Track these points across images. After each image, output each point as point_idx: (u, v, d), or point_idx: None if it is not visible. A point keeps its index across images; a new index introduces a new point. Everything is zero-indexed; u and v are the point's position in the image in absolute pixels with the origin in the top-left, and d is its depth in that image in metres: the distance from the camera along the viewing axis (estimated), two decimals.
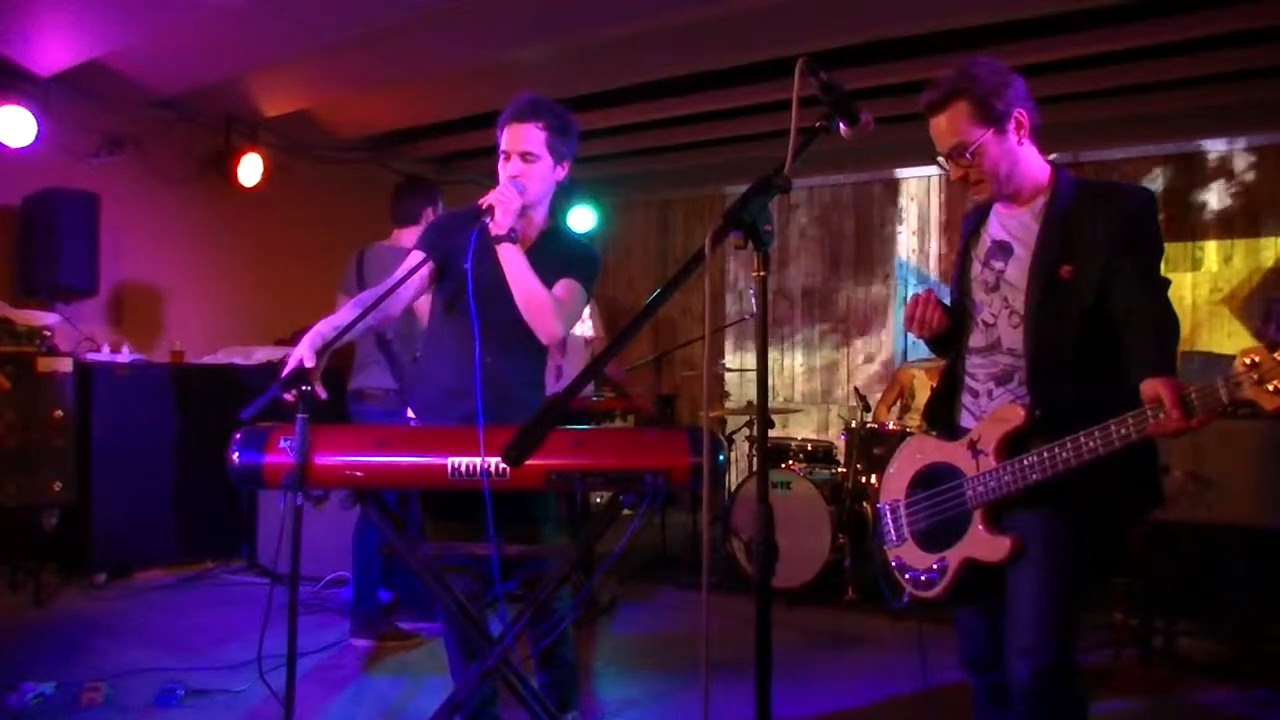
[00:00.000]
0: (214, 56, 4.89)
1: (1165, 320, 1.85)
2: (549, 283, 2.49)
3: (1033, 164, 2.04)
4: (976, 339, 2.11)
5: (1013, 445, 1.94)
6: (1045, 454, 1.85)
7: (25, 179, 4.99)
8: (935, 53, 4.72)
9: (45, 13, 4.30)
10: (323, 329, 2.37)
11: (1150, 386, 1.69)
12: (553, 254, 2.59)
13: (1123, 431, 1.73)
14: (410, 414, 2.74)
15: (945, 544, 2.05)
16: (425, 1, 4.19)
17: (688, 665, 3.67)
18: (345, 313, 2.47)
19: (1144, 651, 3.69)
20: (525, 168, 2.51)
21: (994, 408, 2.04)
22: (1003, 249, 2.06)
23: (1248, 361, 1.56)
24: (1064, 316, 1.93)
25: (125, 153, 5.56)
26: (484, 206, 2.41)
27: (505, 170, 2.52)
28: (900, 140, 4.38)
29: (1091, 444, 1.77)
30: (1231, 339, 6.02)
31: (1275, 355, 1.55)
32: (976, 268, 2.13)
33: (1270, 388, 1.54)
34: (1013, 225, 2.06)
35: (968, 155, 2.00)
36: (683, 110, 5.88)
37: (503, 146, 2.54)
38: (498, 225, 2.42)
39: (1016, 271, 2.02)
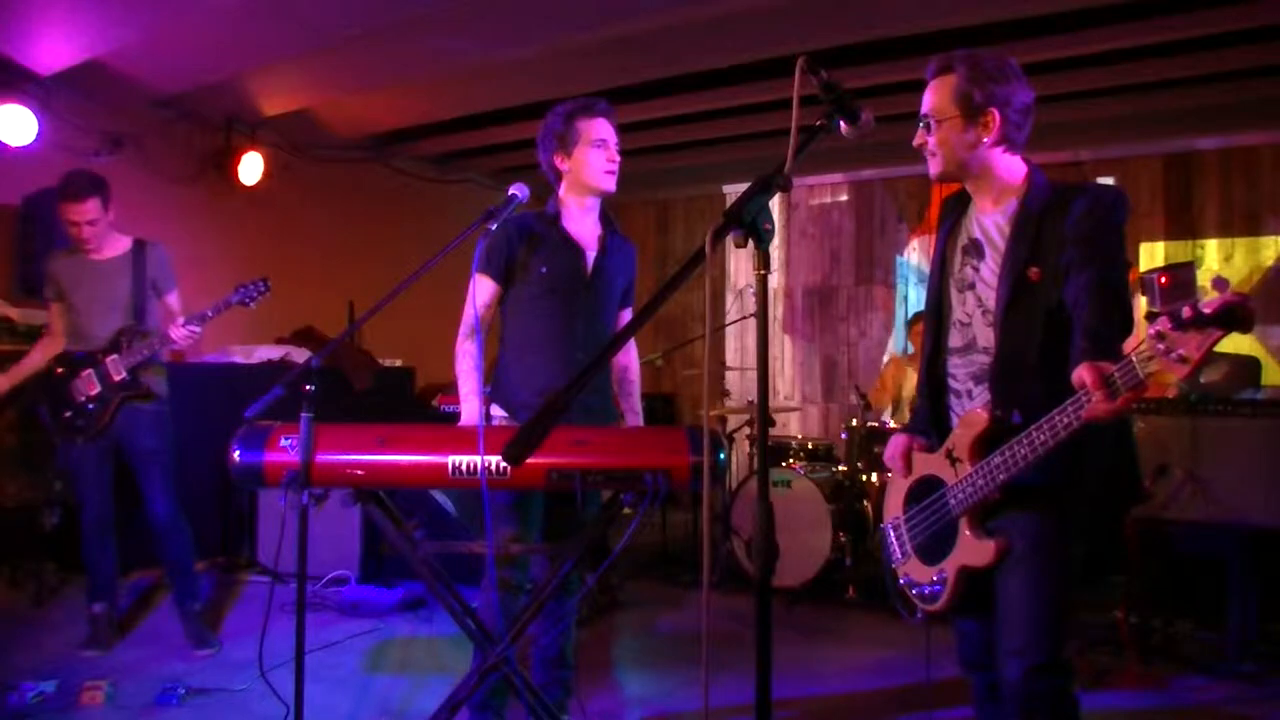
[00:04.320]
0: (214, 56, 4.90)
1: (1102, 312, 1.82)
2: (619, 285, 2.85)
3: (1000, 164, 2.04)
4: (954, 339, 2.13)
5: (984, 448, 1.95)
6: (1007, 452, 1.86)
7: (25, 178, 4.99)
8: (935, 52, 4.70)
9: (46, 12, 4.30)
10: (480, 384, 2.68)
11: (1076, 374, 1.70)
12: (618, 259, 2.85)
13: (1065, 420, 1.74)
14: (498, 412, 2.76)
15: (942, 555, 2.05)
16: (425, 1, 4.19)
17: (688, 664, 3.67)
18: (475, 365, 2.71)
19: (1143, 650, 3.70)
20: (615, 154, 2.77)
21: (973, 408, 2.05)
22: (977, 247, 2.08)
23: (1152, 333, 1.56)
24: (1031, 318, 1.94)
25: (125, 152, 5.56)
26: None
27: (604, 157, 2.73)
28: (901, 139, 4.38)
29: (1042, 437, 1.78)
30: (1233, 337, 6.01)
31: (1162, 327, 1.54)
32: (955, 265, 2.14)
33: (1174, 356, 1.54)
34: (987, 225, 2.07)
35: (931, 124, 2.03)
36: (683, 110, 5.88)
37: (599, 135, 2.73)
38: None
39: (989, 271, 2.04)
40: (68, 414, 3.69)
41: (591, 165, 2.71)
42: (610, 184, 2.74)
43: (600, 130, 2.72)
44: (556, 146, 2.73)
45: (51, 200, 4.92)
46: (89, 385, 3.68)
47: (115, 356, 3.67)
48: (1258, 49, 4.73)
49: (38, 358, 3.84)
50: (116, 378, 3.67)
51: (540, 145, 2.77)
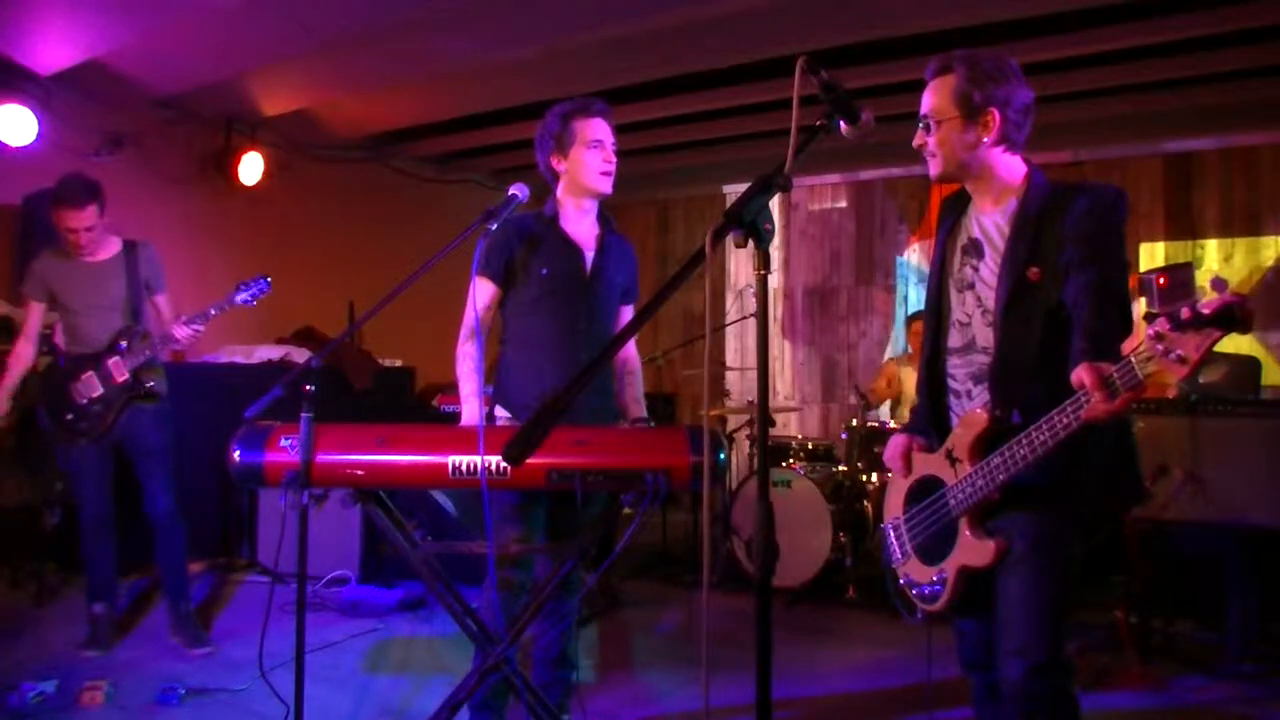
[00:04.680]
0: (214, 56, 4.90)
1: (1102, 312, 1.82)
2: (618, 284, 2.84)
3: (1000, 164, 2.04)
4: (954, 339, 2.13)
5: (984, 448, 1.95)
6: (1006, 452, 1.87)
7: (25, 178, 4.99)
8: (935, 52, 4.70)
9: (46, 12, 4.31)
10: (480, 385, 2.65)
11: (1076, 375, 1.70)
12: (616, 258, 2.85)
13: (1064, 421, 1.74)
14: (501, 412, 2.76)
15: (942, 555, 2.05)
16: (424, 1, 4.19)
17: (688, 664, 3.67)
18: (475, 367, 2.68)
19: (1143, 650, 3.70)
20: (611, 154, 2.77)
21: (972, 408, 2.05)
22: (977, 247, 2.08)
23: (1151, 333, 1.56)
24: (1031, 318, 1.95)
25: (125, 152, 5.56)
26: None
27: (600, 158, 2.72)
28: (901, 139, 4.38)
29: (1041, 437, 1.79)
30: (1232, 338, 6.01)
31: (1160, 328, 1.54)
32: (954, 264, 2.14)
33: (1173, 356, 1.54)
34: (987, 225, 2.08)
35: (931, 124, 2.03)
36: (683, 110, 5.88)
37: (595, 135, 2.72)
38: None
39: (989, 271, 2.04)
40: (69, 416, 3.68)
41: (588, 166, 2.70)
42: (606, 185, 2.73)
43: (596, 130, 2.71)
44: (553, 147, 2.73)
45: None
46: (91, 387, 3.67)
47: (117, 358, 3.67)
48: (1258, 49, 4.73)
49: (19, 364, 3.78)
50: (120, 379, 3.67)
51: (538, 146, 2.78)
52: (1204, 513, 3.49)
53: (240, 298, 3.64)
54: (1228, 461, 3.46)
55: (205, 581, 4.85)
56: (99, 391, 3.67)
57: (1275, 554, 3.60)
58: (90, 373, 3.67)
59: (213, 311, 3.65)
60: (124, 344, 3.70)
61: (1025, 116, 2.02)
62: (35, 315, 3.79)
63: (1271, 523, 3.41)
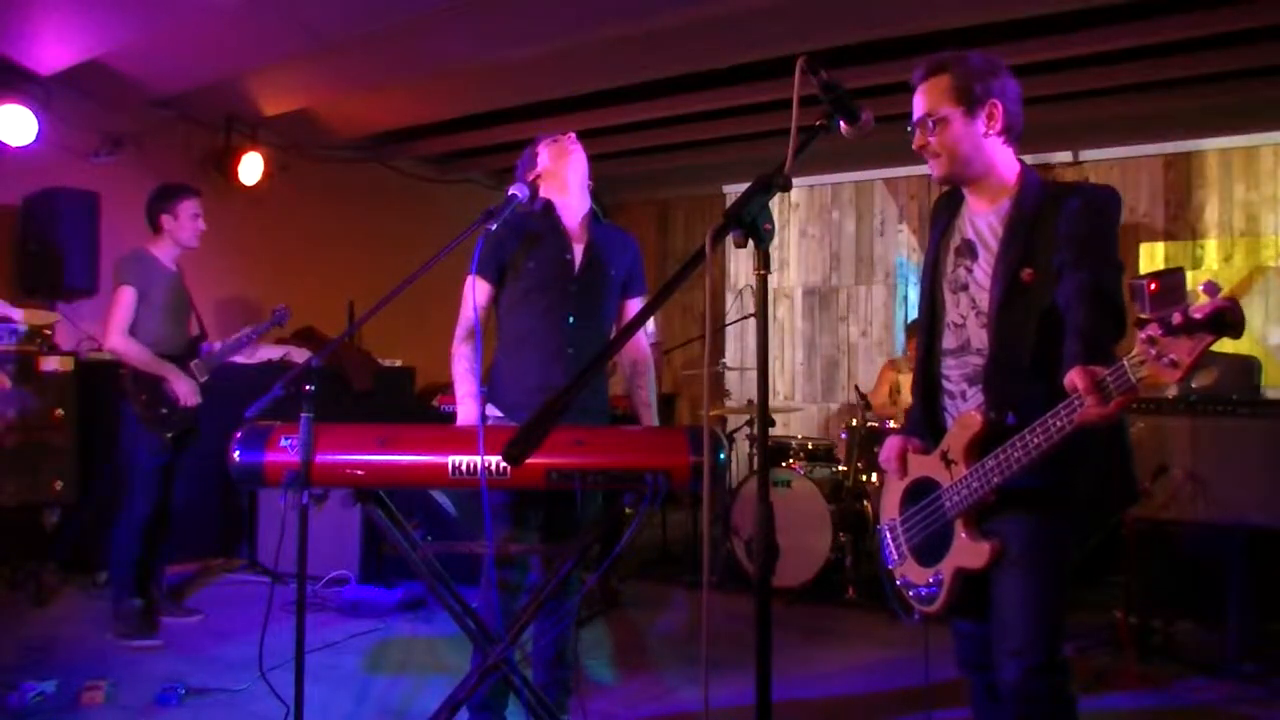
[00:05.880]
0: (214, 56, 4.90)
1: (1095, 314, 1.82)
2: (615, 278, 2.81)
3: (1000, 161, 2.04)
4: (948, 340, 2.12)
5: (979, 450, 1.95)
6: (1001, 455, 1.86)
7: (25, 178, 4.99)
8: (935, 52, 4.71)
9: (46, 12, 4.31)
10: (477, 386, 2.67)
11: (1068, 378, 1.70)
12: (610, 252, 2.84)
13: (1058, 424, 1.74)
14: (494, 411, 2.75)
15: (938, 557, 2.05)
16: (425, 1, 4.19)
17: (688, 664, 3.67)
18: (471, 367, 2.69)
19: (1143, 650, 3.70)
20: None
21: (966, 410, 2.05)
22: (970, 248, 2.08)
23: (1144, 338, 1.57)
24: (1024, 319, 1.94)
25: (125, 152, 5.55)
26: None
27: (565, 143, 2.79)
28: (900, 139, 4.37)
29: (1036, 440, 1.79)
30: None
31: (1152, 333, 1.54)
32: (948, 266, 2.14)
33: (1166, 361, 1.55)
34: (980, 225, 2.07)
35: (932, 125, 2.02)
36: (683, 110, 5.88)
37: (552, 139, 2.82)
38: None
39: (982, 272, 2.04)
40: (163, 410, 3.88)
41: (556, 152, 2.78)
42: (574, 144, 2.80)
43: (552, 137, 2.83)
44: (528, 167, 2.82)
45: (52, 200, 4.97)
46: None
47: (198, 360, 4.00)
48: (1258, 49, 4.73)
49: (141, 349, 3.85)
50: (202, 379, 3.99)
51: (517, 181, 2.81)
52: (1204, 513, 3.49)
53: (272, 323, 4.14)
54: (1228, 461, 3.46)
55: (205, 581, 4.85)
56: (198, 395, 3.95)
57: (1275, 554, 3.60)
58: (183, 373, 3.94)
59: (249, 338, 4.09)
60: (205, 348, 4.03)
61: (1020, 106, 2.04)
62: (131, 303, 3.84)
63: (1271, 523, 3.41)
